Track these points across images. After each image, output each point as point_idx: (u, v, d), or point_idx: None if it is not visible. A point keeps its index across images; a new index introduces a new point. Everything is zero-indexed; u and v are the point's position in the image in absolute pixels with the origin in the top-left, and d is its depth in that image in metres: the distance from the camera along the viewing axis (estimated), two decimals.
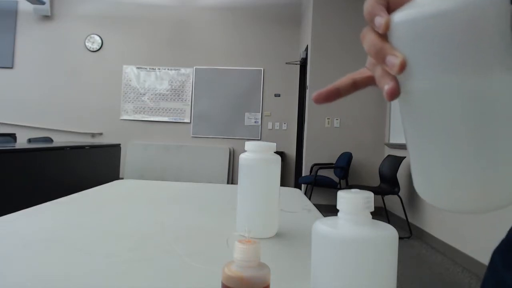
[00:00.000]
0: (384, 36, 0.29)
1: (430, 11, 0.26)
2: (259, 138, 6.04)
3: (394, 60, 0.28)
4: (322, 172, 4.63)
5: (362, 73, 0.38)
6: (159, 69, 6.23)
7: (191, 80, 6.18)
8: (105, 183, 1.41)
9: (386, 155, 4.40)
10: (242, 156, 0.75)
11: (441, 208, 0.31)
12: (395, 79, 0.29)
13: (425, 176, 0.31)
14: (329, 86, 0.38)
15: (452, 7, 0.25)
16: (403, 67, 0.28)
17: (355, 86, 0.38)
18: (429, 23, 0.26)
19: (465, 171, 0.28)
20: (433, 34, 0.26)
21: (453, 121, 0.27)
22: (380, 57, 0.29)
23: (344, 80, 0.38)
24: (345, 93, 0.38)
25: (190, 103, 6.18)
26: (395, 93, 0.29)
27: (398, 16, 0.28)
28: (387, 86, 0.29)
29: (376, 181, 4.44)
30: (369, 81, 0.38)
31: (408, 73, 0.28)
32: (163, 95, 6.22)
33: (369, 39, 0.30)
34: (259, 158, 0.74)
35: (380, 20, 0.28)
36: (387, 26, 0.28)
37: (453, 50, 0.25)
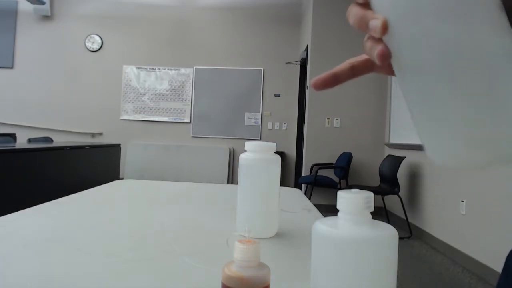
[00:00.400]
0: (368, 7, 0.30)
1: None
2: (259, 138, 6.04)
3: (376, 23, 0.29)
4: (322, 172, 4.63)
5: (360, 57, 0.38)
6: (159, 69, 6.23)
7: (191, 80, 6.18)
8: (105, 183, 1.41)
9: (386, 155, 4.40)
10: (242, 156, 0.75)
11: (455, 167, 0.30)
12: (383, 42, 0.29)
13: (433, 137, 0.30)
14: (328, 72, 0.38)
15: None
16: (385, 27, 0.28)
17: (354, 71, 0.38)
18: None
19: (461, 122, 0.27)
20: None
21: (443, 72, 0.27)
22: (364, 24, 0.31)
23: (342, 65, 0.38)
24: (343, 79, 0.38)
25: (190, 103, 6.18)
26: (384, 54, 0.29)
27: None
28: (376, 50, 0.29)
29: (376, 181, 4.44)
30: (367, 65, 0.37)
31: (393, 33, 0.28)
32: (163, 95, 6.22)
33: (352, 12, 0.32)
34: (259, 158, 0.74)
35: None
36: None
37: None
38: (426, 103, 0.29)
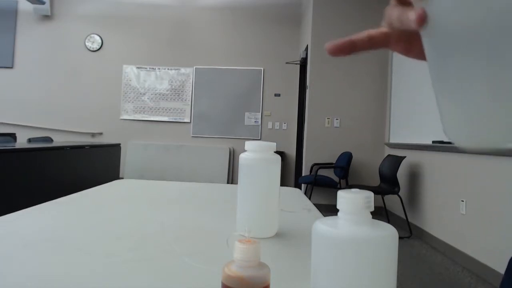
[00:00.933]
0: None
1: None
2: (259, 138, 6.03)
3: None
4: (322, 172, 4.63)
5: (378, 29, 0.36)
6: (159, 69, 6.23)
7: (191, 80, 6.18)
8: (105, 183, 1.41)
9: (386, 155, 4.40)
10: (242, 156, 0.75)
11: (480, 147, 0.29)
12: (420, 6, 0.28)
13: (459, 114, 0.29)
14: (345, 38, 0.36)
15: None
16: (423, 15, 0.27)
17: (371, 41, 0.36)
18: None
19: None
20: None
21: (483, 45, 0.25)
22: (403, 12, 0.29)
23: (360, 34, 0.37)
24: (360, 48, 0.37)
25: (190, 103, 6.18)
26: (424, 17, 0.27)
27: None
28: (413, 13, 0.28)
29: (376, 181, 4.44)
30: (384, 39, 0.36)
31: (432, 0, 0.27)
32: (163, 95, 6.22)
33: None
34: (259, 158, 0.74)
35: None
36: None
37: None
38: (458, 78, 0.27)
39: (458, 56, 0.27)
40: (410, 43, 0.34)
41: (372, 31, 0.36)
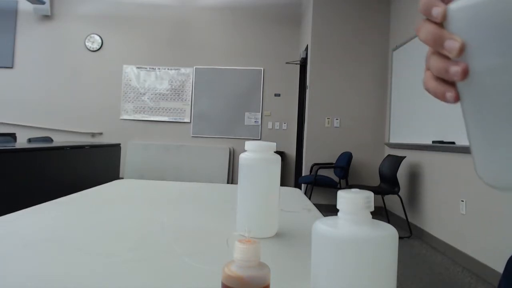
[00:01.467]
0: (441, 25, 0.30)
1: None
2: (259, 138, 6.03)
3: (453, 44, 0.29)
4: (322, 172, 4.63)
5: None
6: (159, 69, 6.23)
7: (191, 80, 6.18)
8: (105, 183, 1.41)
9: (386, 155, 4.40)
10: (242, 156, 0.75)
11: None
12: (461, 62, 0.29)
13: (492, 161, 0.31)
14: None
15: None
16: (462, 49, 0.28)
17: None
18: (486, 7, 0.27)
19: None
20: (491, 18, 0.27)
21: None
22: (439, 43, 0.30)
23: None
24: None
25: (190, 103, 6.18)
26: (466, 71, 0.28)
27: (456, 4, 0.29)
28: (456, 67, 0.29)
29: (376, 181, 4.44)
30: None
31: (468, 58, 0.28)
32: (163, 95, 6.22)
33: (425, 29, 0.31)
34: (259, 158, 0.74)
35: (437, 10, 0.29)
36: (444, 15, 0.29)
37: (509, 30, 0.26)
38: (487, 131, 0.30)
39: (497, 113, 0.29)
40: None
41: None
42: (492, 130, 0.30)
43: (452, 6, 0.29)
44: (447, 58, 0.30)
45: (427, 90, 0.33)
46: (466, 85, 0.30)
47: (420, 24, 0.32)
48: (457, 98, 0.30)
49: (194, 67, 6.17)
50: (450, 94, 0.30)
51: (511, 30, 0.26)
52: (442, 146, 3.14)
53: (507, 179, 0.30)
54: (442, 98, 0.31)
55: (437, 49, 0.30)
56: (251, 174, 0.75)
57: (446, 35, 0.29)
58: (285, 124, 6.07)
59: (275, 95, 6.08)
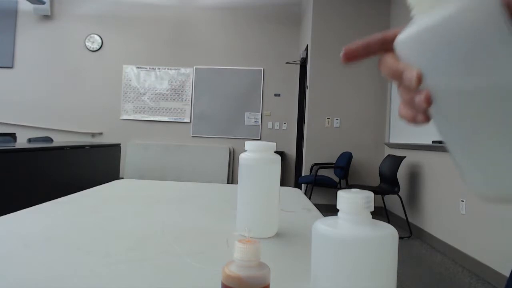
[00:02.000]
0: (398, 59, 0.32)
1: (427, 24, 0.28)
2: (259, 138, 6.03)
3: (410, 75, 0.30)
4: (322, 172, 4.63)
5: (395, 29, 0.36)
6: (159, 69, 6.23)
7: (191, 80, 6.18)
8: (105, 183, 1.41)
9: (386, 155, 4.40)
10: (242, 156, 0.75)
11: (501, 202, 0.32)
12: (424, 90, 0.30)
13: (472, 173, 0.32)
14: (358, 42, 0.36)
15: (448, 14, 0.27)
16: (419, 78, 0.29)
17: (386, 42, 0.35)
18: (429, 33, 0.28)
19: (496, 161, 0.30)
20: (435, 42, 0.28)
21: (481, 118, 0.29)
22: (398, 76, 0.31)
23: (373, 36, 0.36)
24: (375, 50, 0.36)
25: (190, 103, 6.18)
26: (430, 99, 0.30)
27: (402, 36, 0.30)
28: (419, 96, 0.30)
29: (376, 181, 4.44)
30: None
31: (428, 81, 0.30)
32: (163, 95, 6.22)
33: (384, 64, 0.33)
34: (259, 158, 0.74)
35: (410, 74, 0.30)
36: (420, 78, 0.30)
37: (455, 54, 0.28)
38: (463, 144, 0.31)
39: (465, 119, 0.30)
40: None
41: (388, 32, 0.36)
42: (466, 144, 0.31)
43: (399, 38, 0.30)
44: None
45: (401, 117, 0.34)
46: (433, 107, 0.31)
47: (380, 59, 0.34)
48: (426, 119, 0.32)
49: (194, 67, 6.17)
50: (419, 118, 0.32)
51: (452, 51, 0.28)
52: (442, 146, 3.14)
53: (493, 189, 0.31)
54: (414, 122, 0.33)
55: (399, 81, 0.31)
56: (251, 174, 0.75)
57: (402, 67, 0.31)
58: (285, 124, 6.07)
59: (275, 95, 6.08)
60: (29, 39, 6.31)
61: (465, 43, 0.27)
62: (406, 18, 4.24)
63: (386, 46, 0.35)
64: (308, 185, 4.64)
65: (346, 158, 4.51)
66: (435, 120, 0.32)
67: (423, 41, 0.29)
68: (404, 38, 0.30)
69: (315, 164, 4.71)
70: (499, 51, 0.27)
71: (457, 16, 0.27)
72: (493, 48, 0.27)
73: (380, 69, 0.34)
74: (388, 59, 0.33)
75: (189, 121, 6.17)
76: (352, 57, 0.36)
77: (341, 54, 0.36)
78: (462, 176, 0.33)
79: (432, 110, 0.31)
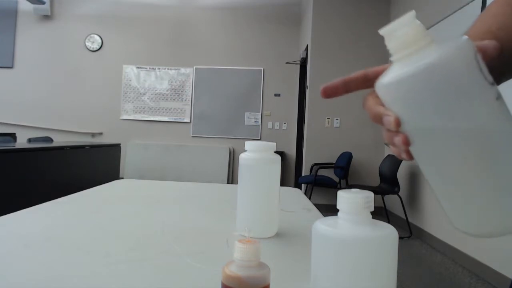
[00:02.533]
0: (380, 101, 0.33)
1: (407, 71, 0.29)
2: (259, 138, 6.04)
3: (388, 119, 0.32)
4: (322, 172, 4.63)
5: (376, 68, 0.38)
6: (159, 69, 6.23)
7: (191, 80, 6.18)
8: (105, 183, 1.41)
9: (386, 155, 4.40)
10: (242, 156, 0.75)
11: (486, 236, 0.33)
12: (401, 134, 0.32)
13: (455, 211, 0.34)
14: (337, 79, 0.38)
15: (428, 63, 0.28)
16: (397, 122, 0.31)
17: (367, 79, 0.37)
18: (409, 80, 0.29)
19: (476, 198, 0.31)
20: (415, 89, 0.29)
21: (458, 159, 0.30)
22: (378, 120, 0.33)
23: (355, 73, 0.38)
24: (355, 87, 0.38)
25: (190, 103, 6.18)
26: (406, 141, 0.32)
27: (383, 80, 0.31)
28: (398, 137, 0.32)
29: (376, 181, 4.44)
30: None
31: (405, 124, 0.32)
32: (163, 95, 6.22)
33: (367, 106, 0.35)
34: (259, 158, 0.74)
35: (388, 119, 0.32)
36: (398, 123, 0.32)
37: (434, 100, 0.29)
38: (444, 183, 0.33)
39: (441, 159, 0.32)
40: None
41: (369, 70, 0.38)
42: (444, 182, 0.33)
43: (380, 82, 0.32)
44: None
45: (393, 152, 0.37)
46: (412, 147, 0.33)
47: (364, 98, 0.36)
48: (410, 157, 0.34)
49: (194, 67, 6.17)
50: (403, 155, 0.34)
51: (430, 97, 0.29)
52: None
53: (473, 228, 0.33)
54: (400, 158, 0.35)
55: (380, 124, 0.34)
56: (251, 174, 0.75)
57: (382, 111, 0.33)
58: (285, 124, 6.07)
59: (275, 95, 6.08)
60: (29, 39, 6.31)
61: (443, 90, 0.28)
62: None
63: (367, 83, 0.37)
64: (308, 185, 4.64)
65: (346, 158, 4.51)
66: (416, 158, 0.34)
67: (402, 87, 0.30)
68: (385, 83, 0.31)
69: (315, 164, 4.71)
70: (475, 97, 0.28)
71: (436, 65, 0.28)
72: (470, 94, 0.28)
73: (363, 107, 0.36)
74: (370, 101, 0.35)
75: (189, 121, 6.17)
76: (331, 93, 0.38)
77: (320, 89, 0.38)
78: (446, 213, 0.34)
79: (412, 150, 0.33)
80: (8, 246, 0.65)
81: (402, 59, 0.30)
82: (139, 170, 6.02)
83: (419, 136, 0.31)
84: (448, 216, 0.34)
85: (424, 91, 0.29)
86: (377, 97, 0.33)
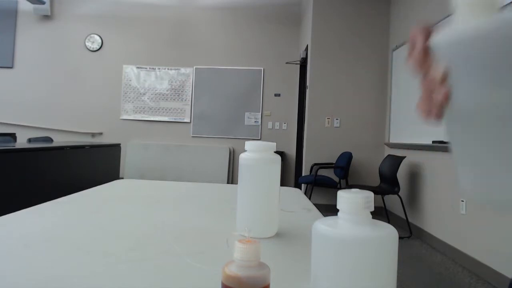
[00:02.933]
0: (427, 51, 0.33)
1: (472, 30, 0.28)
2: (259, 138, 6.03)
3: (438, 70, 0.32)
4: (322, 172, 4.63)
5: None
6: (159, 69, 6.23)
7: (191, 80, 6.18)
8: (105, 183, 1.41)
9: (386, 155, 4.40)
10: (242, 156, 0.75)
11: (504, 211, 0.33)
12: (445, 88, 0.32)
13: (476, 178, 0.33)
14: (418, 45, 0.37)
15: (495, 26, 0.27)
16: (446, 76, 0.31)
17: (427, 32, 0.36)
18: (472, 40, 0.29)
19: None
20: (476, 50, 0.28)
21: (494, 130, 0.30)
22: (425, 68, 0.34)
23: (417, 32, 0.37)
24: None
25: (190, 103, 6.18)
26: (447, 96, 0.32)
27: (443, 35, 0.31)
28: (439, 91, 0.32)
29: (376, 181, 4.44)
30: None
31: (453, 82, 0.31)
32: (163, 95, 6.22)
33: (415, 54, 0.34)
34: (259, 158, 0.74)
35: (438, 70, 0.32)
36: (446, 76, 0.31)
37: (495, 65, 0.28)
38: (465, 147, 0.32)
39: (473, 125, 0.31)
40: None
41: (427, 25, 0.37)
42: (468, 147, 0.32)
43: (439, 37, 0.31)
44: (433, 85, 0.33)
45: (418, 110, 0.36)
46: (449, 105, 0.32)
47: (409, 51, 0.35)
48: (439, 117, 0.34)
49: (194, 67, 6.17)
50: (433, 113, 0.34)
51: (492, 61, 0.28)
52: (442, 146, 3.14)
53: (482, 194, 0.33)
54: (427, 116, 0.34)
55: (425, 73, 0.33)
56: (251, 174, 0.75)
57: (432, 61, 0.33)
58: (285, 124, 6.07)
59: (275, 95, 6.07)
60: (29, 39, 6.31)
61: (505, 56, 0.27)
62: (406, 18, 4.25)
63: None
64: (308, 185, 4.64)
65: (346, 158, 4.51)
66: (446, 118, 0.33)
67: (463, 46, 0.29)
68: (444, 38, 0.31)
69: (315, 164, 4.71)
70: None
71: (504, 28, 0.27)
72: None
73: (408, 57, 0.35)
74: (419, 51, 0.34)
75: (189, 121, 6.17)
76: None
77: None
78: (458, 177, 0.34)
79: (447, 109, 0.33)
80: (8, 246, 0.65)
81: (469, 15, 0.29)
82: (139, 170, 6.02)
83: (459, 96, 0.30)
84: (462, 183, 0.34)
85: (487, 53, 0.28)
86: (425, 49, 0.33)
